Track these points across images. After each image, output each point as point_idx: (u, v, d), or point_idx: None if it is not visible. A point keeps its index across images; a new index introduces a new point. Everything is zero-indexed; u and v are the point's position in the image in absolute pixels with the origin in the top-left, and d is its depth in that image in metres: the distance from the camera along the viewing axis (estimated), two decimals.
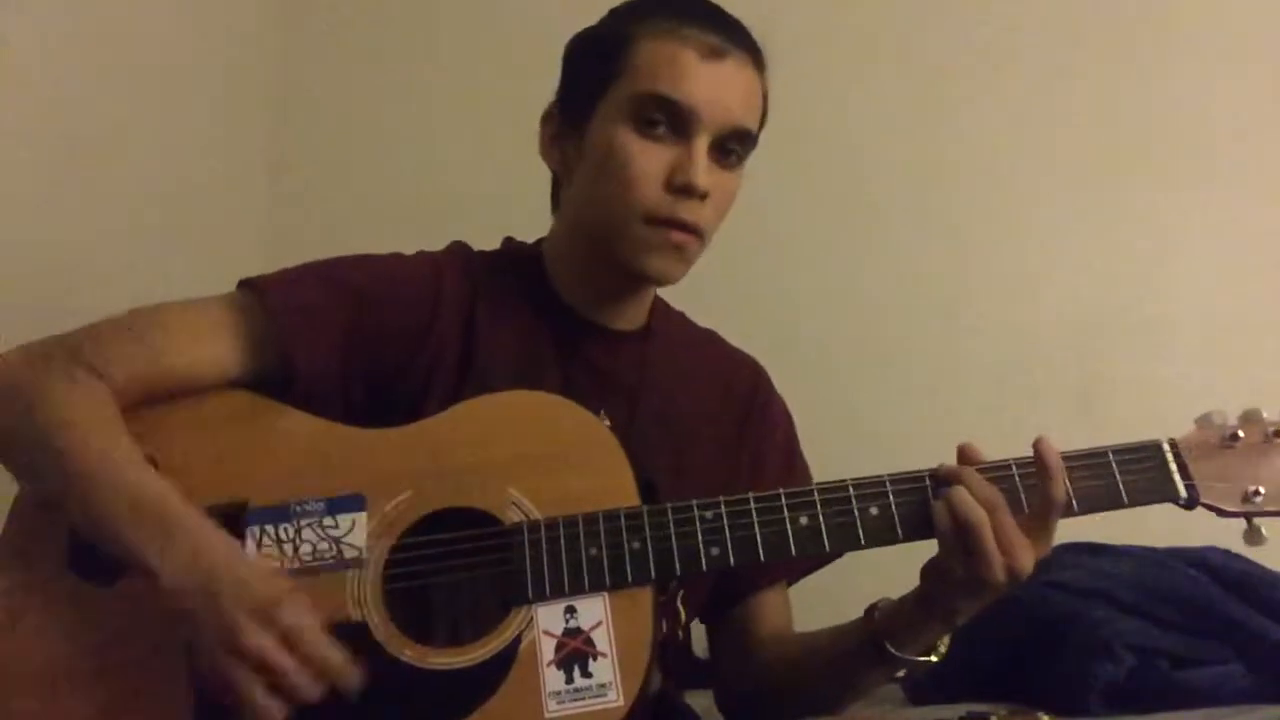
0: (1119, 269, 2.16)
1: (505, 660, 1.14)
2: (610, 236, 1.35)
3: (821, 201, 2.20)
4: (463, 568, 1.19)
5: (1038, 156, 2.20)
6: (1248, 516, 1.19)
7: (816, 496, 1.19)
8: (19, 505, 1.25)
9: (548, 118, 1.41)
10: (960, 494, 1.15)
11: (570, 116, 1.38)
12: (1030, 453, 1.18)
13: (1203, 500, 1.19)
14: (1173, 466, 1.19)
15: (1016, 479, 1.18)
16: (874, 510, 1.18)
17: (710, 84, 1.31)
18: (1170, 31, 2.18)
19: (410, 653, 1.15)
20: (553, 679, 1.13)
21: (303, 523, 1.21)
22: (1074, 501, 1.18)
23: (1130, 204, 2.17)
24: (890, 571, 1.27)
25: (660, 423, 1.41)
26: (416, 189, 2.34)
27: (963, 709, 1.34)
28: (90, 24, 1.92)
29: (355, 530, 1.20)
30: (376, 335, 1.35)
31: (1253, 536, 1.18)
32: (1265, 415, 1.20)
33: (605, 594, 1.17)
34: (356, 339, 1.34)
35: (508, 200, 1.49)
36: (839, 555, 1.37)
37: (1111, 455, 1.19)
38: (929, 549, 1.20)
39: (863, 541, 1.18)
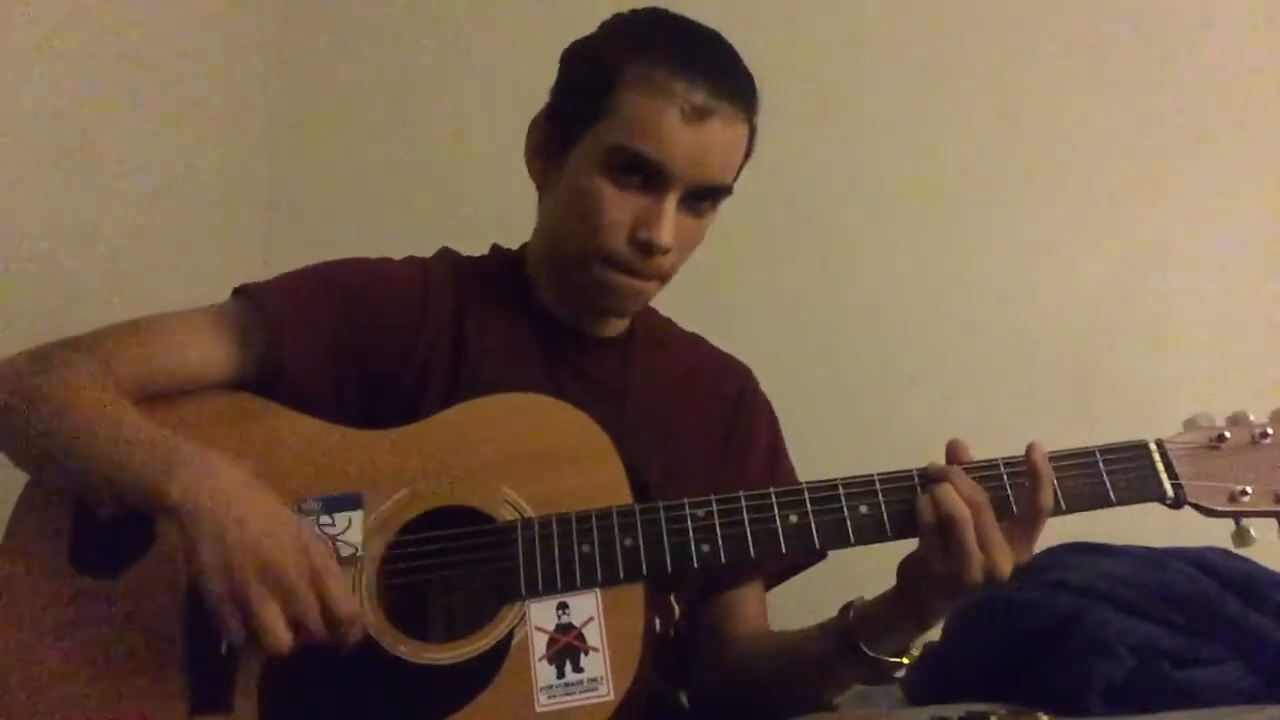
0: (1119, 269, 2.15)
1: (498, 655, 1.16)
2: (571, 270, 1.38)
3: (820, 202, 2.20)
4: (457, 565, 1.21)
5: (1037, 156, 2.20)
6: (1235, 517, 1.19)
7: (806, 495, 1.20)
8: (23, 503, 1.27)
9: (534, 127, 1.43)
10: (944, 490, 1.16)
11: (554, 138, 1.39)
12: (1024, 448, 1.19)
13: (1190, 500, 1.19)
14: (1159, 466, 1.20)
15: (1005, 479, 1.19)
16: (863, 509, 1.19)
17: (690, 146, 1.31)
18: (1170, 32, 2.17)
19: (405, 648, 1.17)
20: (544, 674, 1.15)
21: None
22: (1061, 500, 1.18)
23: (1129, 204, 2.16)
24: (879, 574, 1.27)
25: (647, 426, 1.42)
26: (416, 190, 2.35)
27: (962, 709, 1.33)
28: (90, 24, 1.93)
29: (352, 529, 1.22)
30: (367, 338, 1.37)
31: (1241, 537, 1.19)
32: (1252, 418, 1.21)
33: (597, 590, 1.18)
34: (347, 342, 1.37)
35: (506, 203, 1.49)
36: (821, 558, 1.39)
37: (1099, 455, 1.20)
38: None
39: (852, 539, 1.19)
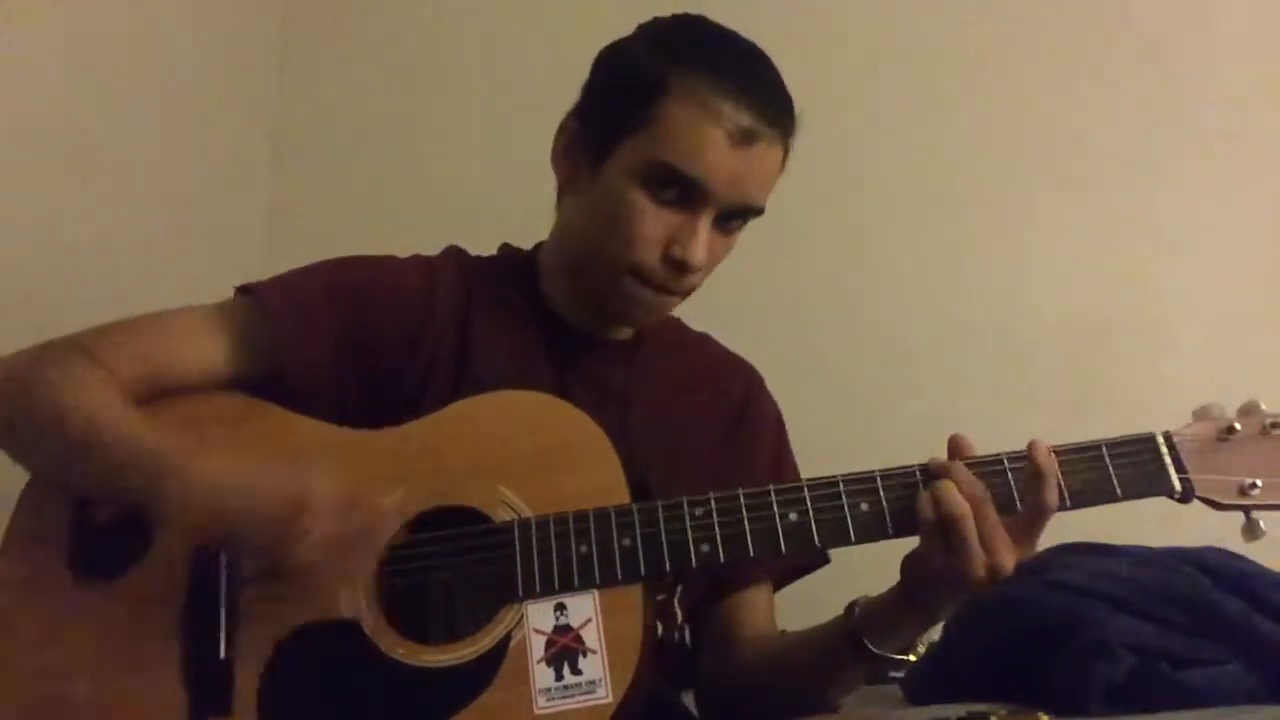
0: (1117, 269, 2.15)
1: (496, 657, 1.15)
2: (597, 279, 1.37)
3: (820, 203, 2.19)
4: (454, 566, 1.20)
5: (1036, 156, 2.20)
6: (1245, 510, 1.17)
7: (807, 493, 1.18)
8: (22, 504, 1.27)
9: (565, 127, 1.40)
10: (945, 486, 1.15)
11: (588, 141, 1.37)
12: (1024, 447, 1.17)
13: (1198, 494, 1.17)
14: (1167, 459, 1.17)
15: (1009, 474, 1.17)
16: (864, 506, 1.17)
17: (733, 169, 1.30)
18: (1169, 31, 2.18)
19: (402, 650, 1.16)
20: (543, 676, 1.14)
21: None
22: (1066, 496, 1.16)
23: (1128, 204, 2.16)
24: (884, 573, 1.26)
25: (653, 427, 1.41)
26: (416, 190, 2.35)
27: (962, 709, 1.32)
28: (90, 24, 1.93)
29: None
30: (370, 336, 1.36)
31: (1251, 530, 1.17)
32: (1263, 407, 1.19)
33: (595, 591, 1.17)
34: (350, 340, 1.35)
35: (508, 203, 1.49)
36: (825, 562, 1.37)
37: (1105, 448, 1.18)
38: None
39: (853, 538, 1.18)
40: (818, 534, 1.18)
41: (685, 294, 1.38)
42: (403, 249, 1.47)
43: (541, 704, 1.12)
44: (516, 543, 1.18)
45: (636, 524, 1.18)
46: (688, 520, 1.18)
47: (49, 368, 1.24)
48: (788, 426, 1.55)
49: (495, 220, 1.53)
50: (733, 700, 1.43)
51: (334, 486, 1.15)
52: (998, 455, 1.18)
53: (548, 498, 1.20)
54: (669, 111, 1.29)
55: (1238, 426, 1.17)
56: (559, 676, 1.13)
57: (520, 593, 1.17)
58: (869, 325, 2.20)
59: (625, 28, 1.42)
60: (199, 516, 1.14)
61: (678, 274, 1.33)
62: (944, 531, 1.14)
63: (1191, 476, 1.17)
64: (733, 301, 1.55)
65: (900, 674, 1.54)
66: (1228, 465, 1.17)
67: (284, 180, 2.42)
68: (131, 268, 1.99)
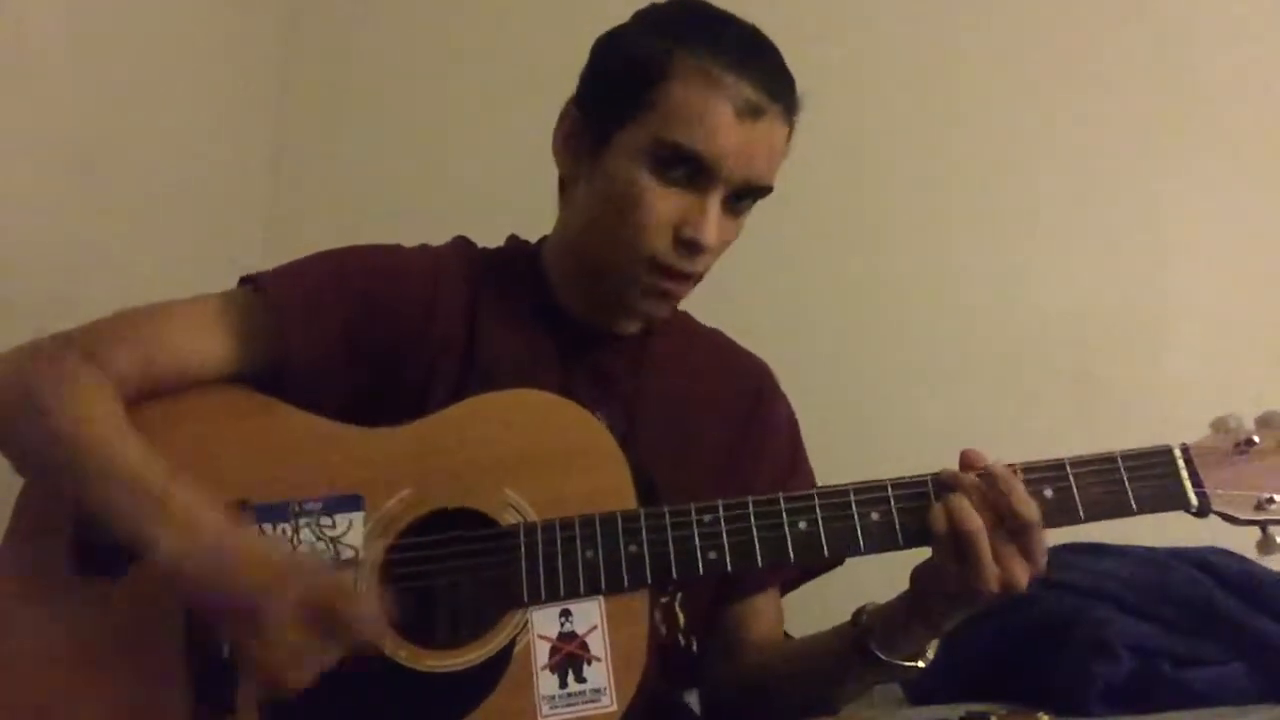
0: (1118, 268, 2.14)
1: (500, 663, 1.14)
2: (607, 269, 1.33)
3: (819, 202, 2.18)
4: (458, 569, 1.18)
5: (1037, 156, 2.19)
6: (1262, 525, 1.16)
7: (816, 501, 1.17)
8: (22, 504, 1.25)
9: (569, 116, 1.37)
10: (958, 500, 1.13)
11: (590, 128, 1.34)
12: (1034, 456, 1.16)
13: (1214, 509, 1.16)
14: (1184, 474, 1.16)
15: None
16: (875, 516, 1.16)
17: (740, 144, 1.26)
18: (1169, 30, 2.17)
19: (405, 654, 1.15)
20: (547, 683, 1.13)
21: (301, 522, 1.20)
22: (1080, 509, 1.15)
23: (1129, 204, 2.16)
24: (890, 576, 1.25)
25: (661, 423, 1.39)
26: (417, 186, 2.33)
27: (963, 709, 1.33)
28: (91, 22, 1.92)
29: (352, 531, 1.19)
30: (376, 325, 1.33)
31: (1267, 545, 1.15)
32: None
33: (600, 598, 1.15)
34: (355, 329, 1.33)
35: (509, 196, 1.47)
36: (839, 562, 1.35)
37: (1121, 461, 1.16)
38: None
39: (863, 548, 1.16)
40: (827, 544, 1.16)
41: (697, 279, 1.34)
42: (404, 244, 1.45)
43: (545, 711, 1.11)
44: (522, 547, 1.17)
45: (644, 530, 1.16)
46: (695, 527, 1.16)
47: (43, 370, 1.22)
48: None
49: (497, 218, 1.51)
50: (739, 704, 1.42)
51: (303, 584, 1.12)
52: (1011, 466, 1.16)
53: (554, 501, 1.18)
54: (673, 90, 1.26)
55: (1256, 440, 1.16)
56: (563, 684, 1.12)
57: (525, 598, 1.15)
58: (869, 325, 2.19)
59: (627, 19, 1.39)
60: (171, 588, 1.14)
61: (690, 256, 1.30)
62: (957, 546, 1.12)
63: (1208, 491, 1.15)
64: (733, 302, 1.54)
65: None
66: (1245, 479, 1.16)
67: (284, 179, 2.40)
68: (131, 267, 1.98)
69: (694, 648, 1.35)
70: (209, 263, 1.46)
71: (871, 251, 2.21)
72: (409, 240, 1.44)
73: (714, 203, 1.28)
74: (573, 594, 1.15)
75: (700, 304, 1.45)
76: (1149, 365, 2.08)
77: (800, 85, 1.33)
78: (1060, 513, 1.15)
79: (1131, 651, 1.50)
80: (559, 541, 1.16)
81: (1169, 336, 2.10)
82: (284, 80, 2.43)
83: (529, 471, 1.20)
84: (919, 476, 1.17)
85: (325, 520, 1.19)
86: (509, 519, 1.18)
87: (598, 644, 1.14)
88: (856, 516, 1.16)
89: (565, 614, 1.15)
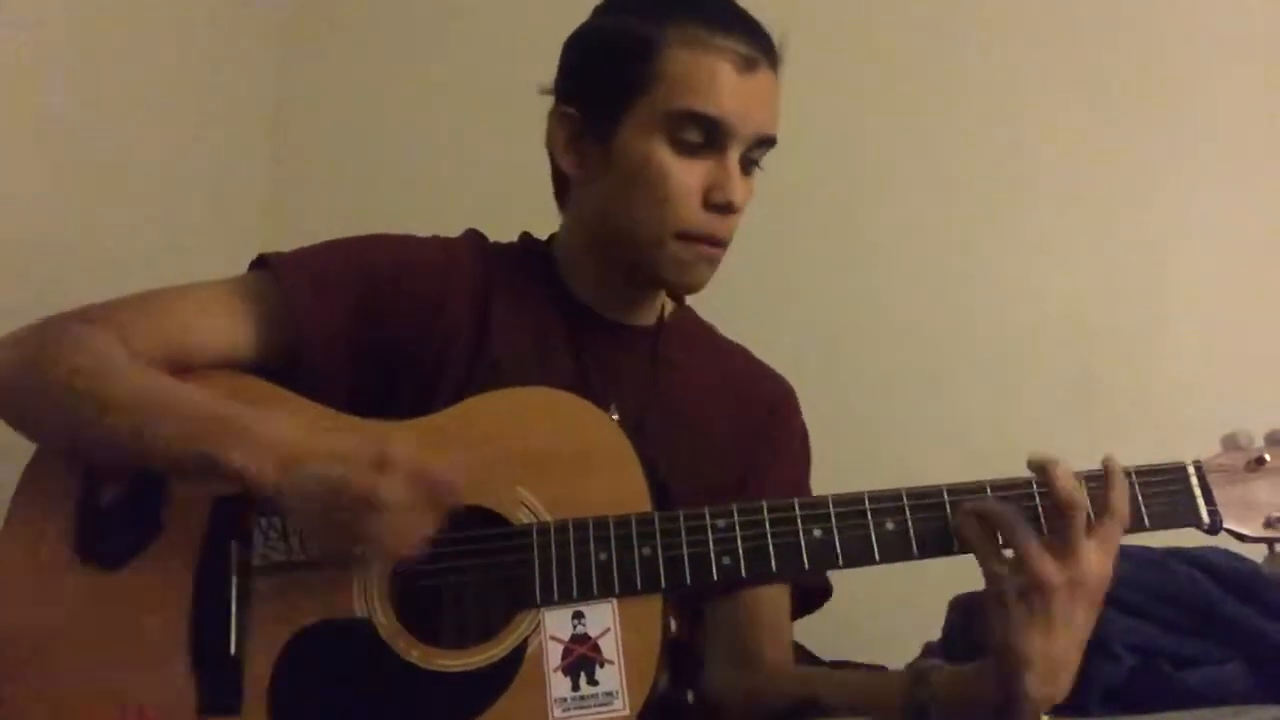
0: (1119, 269, 2.14)
1: (511, 664, 1.13)
2: (640, 249, 1.34)
3: (820, 203, 2.19)
4: (470, 568, 1.18)
5: (1038, 156, 2.18)
6: (1270, 542, 1.17)
7: (831, 509, 1.16)
8: (23, 490, 1.24)
9: (564, 117, 1.37)
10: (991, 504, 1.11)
11: (592, 121, 1.34)
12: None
13: (1225, 526, 1.16)
14: (1197, 491, 1.16)
15: (1036, 497, 1.14)
16: (890, 525, 1.15)
17: (746, 97, 1.30)
18: (1169, 31, 2.15)
19: (416, 653, 1.14)
20: (559, 685, 1.12)
21: None
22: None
23: (1129, 204, 2.15)
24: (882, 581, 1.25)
25: (671, 419, 1.39)
26: (415, 182, 2.33)
27: None
28: (90, 22, 1.92)
29: None
30: (387, 310, 1.34)
31: (1274, 562, 1.17)
32: None
33: (614, 600, 1.15)
34: (366, 314, 1.33)
35: (511, 193, 1.46)
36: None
37: (1134, 476, 1.16)
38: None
39: (877, 557, 1.16)
40: (841, 552, 1.16)
41: (727, 243, 1.35)
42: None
43: (557, 714, 1.11)
44: (535, 547, 1.16)
45: (658, 534, 1.16)
46: (710, 532, 1.16)
47: (62, 335, 1.22)
48: None
49: (499, 215, 1.50)
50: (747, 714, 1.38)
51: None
52: (1028, 478, 1.15)
53: (567, 501, 1.18)
54: (672, 61, 1.29)
55: (1267, 458, 1.17)
56: (575, 686, 1.12)
57: (538, 599, 1.15)
58: (869, 326, 2.18)
59: None
60: (284, 463, 1.10)
61: (721, 219, 1.32)
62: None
63: (1220, 509, 1.16)
64: (733, 302, 1.53)
65: None
66: (1256, 497, 1.16)
67: (283, 178, 2.40)
68: (131, 263, 1.95)
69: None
70: (208, 260, 1.44)
71: (871, 253, 2.21)
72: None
73: (733, 162, 1.31)
74: (585, 595, 1.15)
75: (702, 303, 1.44)
76: (1149, 366, 2.08)
77: (801, 85, 1.37)
78: None
79: (1131, 651, 1.50)
80: (572, 543, 1.16)
81: (1169, 338, 2.09)
82: (283, 77, 2.43)
83: (543, 470, 1.19)
84: (933, 487, 1.16)
85: None
86: (522, 518, 1.18)
87: (611, 647, 1.13)
88: (872, 525, 1.15)
89: (578, 616, 1.14)
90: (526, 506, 1.18)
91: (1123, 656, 1.50)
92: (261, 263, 1.36)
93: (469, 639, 1.16)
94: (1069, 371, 2.11)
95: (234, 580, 1.17)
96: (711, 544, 1.16)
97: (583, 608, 1.15)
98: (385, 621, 1.15)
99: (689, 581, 1.16)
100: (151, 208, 2.07)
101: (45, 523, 1.21)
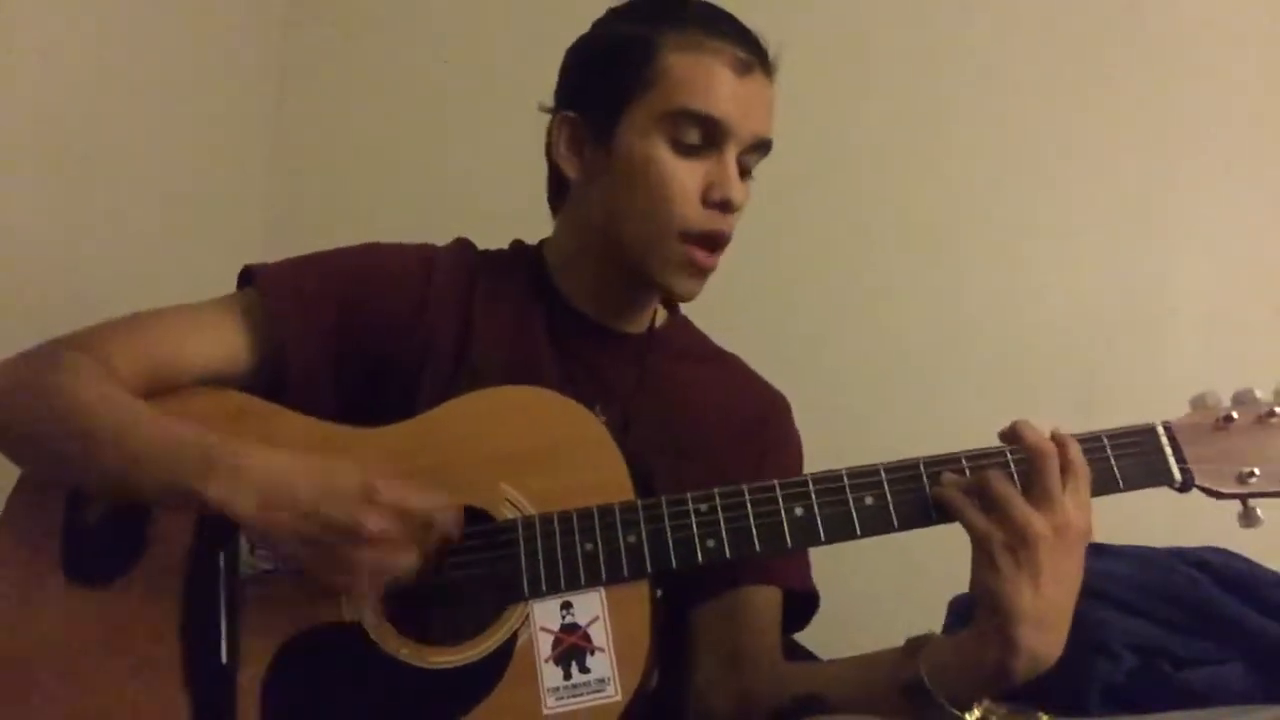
0: (1119, 269, 2.15)
1: (502, 657, 1.14)
2: (640, 250, 1.36)
3: (820, 202, 2.21)
4: (458, 565, 1.19)
5: (1038, 156, 2.20)
6: (1243, 498, 1.18)
7: (811, 486, 1.18)
8: (10, 509, 1.25)
9: (565, 122, 1.40)
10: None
11: (591, 125, 1.38)
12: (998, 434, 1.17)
13: (1197, 483, 1.18)
14: (1167, 450, 1.18)
15: (1011, 464, 1.16)
16: (869, 500, 1.17)
17: (742, 99, 1.33)
18: (1169, 32, 2.18)
19: (407, 651, 1.15)
20: (551, 675, 1.13)
21: None
22: None
23: (1129, 204, 2.17)
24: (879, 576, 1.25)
25: (658, 426, 1.40)
26: (416, 190, 2.35)
27: None
28: (91, 22, 1.93)
29: None
30: (369, 321, 1.36)
31: (1248, 518, 1.17)
32: (1259, 395, 1.20)
33: (601, 589, 1.16)
34: (349, 325, 1.35)
35: (510, 197, 1.49)
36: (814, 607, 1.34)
37: (1106, 440, 1.18)
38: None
39: (858, 531, 1.17)
40: (823, 528, 1.17)
41: (725, 244, 1.37)
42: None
43: (550, 704, 1.12)
44: (520, 541, 1.18)
45: (641, 521, 1.17)
46: (693, 516, 1.17)
47: (53, 367, 1.23)
48: None
49: (499, 220, 1.52)
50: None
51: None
52: (1001, 448, 1.17)
53: (551, 495, 1.19)
54: (670, 64, 1.33)
55: (1235, 415, 1.18)
56: (567, 675, 1.13)
57: (526, 592, 1.16)
58: (869, 326, 2.20)
59: None
60: (266, 497, 1.11)
61: (722, 218, 1.34)
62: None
63: (1191, 466, 1.18)
64: (733, 302, 1.56)
65: None
66: (1226, 454, 1.18)
67: (284, 181, 2.41)
68: (131, 267, 1.98)
69: None
70: (209, 262, 1.47)
71: (871, 253, 2.22)
72: (410, 240, 1.46)
73: (731, 161, 1.34)
74: (573, 586, 1.16)
75: (702, 303, 1.46)
76: (1148, 365, 2.09)
77: (801, 86, 1.41)
78: None
79: (1131, 651, 1.49)
80: (558, 534, 1.17)
81: (1170, 336, 2.11)
82: (284, 79, 2.44)
83: (524, 466, 1.21)
84: (910, 460, 1.18)
85: None
86: (506, 514, 1.19)
87: (600, 634, 1.14)
88: (851, 501, 1.17)
89: (567, 606, 1.15)
90: (511, 502, 1.20)
91: (1123, 656, 1.49)
92: (248, 276, 1.38)
93: (460, 635, 1.16)
94: (1069, 371, 2.12)
95: (223, 591, 1.18)
96: (695, 527, 1.17)
97: (571, 598, 1.16)
98: (375, 622, 1.16)
99: (675, 566, 1.17)
100: (152, 208, 2.08)
101: (31, 543, 1.21)
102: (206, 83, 2.25)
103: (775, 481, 1.19)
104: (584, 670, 1.13)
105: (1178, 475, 1.18)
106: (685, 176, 1.33)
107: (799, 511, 1.17)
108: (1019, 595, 1.08)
